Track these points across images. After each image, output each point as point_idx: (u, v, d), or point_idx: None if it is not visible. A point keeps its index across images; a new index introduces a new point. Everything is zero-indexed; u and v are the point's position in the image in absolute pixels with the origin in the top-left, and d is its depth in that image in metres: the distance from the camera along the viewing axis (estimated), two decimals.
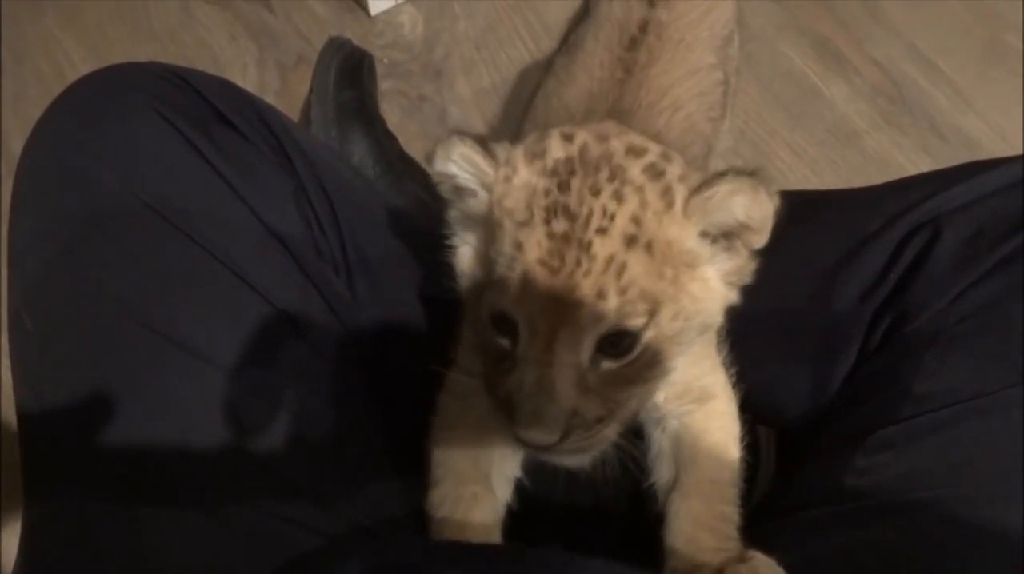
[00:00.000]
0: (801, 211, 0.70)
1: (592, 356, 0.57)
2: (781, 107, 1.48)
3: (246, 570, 0.63)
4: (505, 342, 0.58)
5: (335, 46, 1.29)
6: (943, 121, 1.47)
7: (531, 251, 0.55)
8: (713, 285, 0.61)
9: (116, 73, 0.75)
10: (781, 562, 0.66)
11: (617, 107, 0.88)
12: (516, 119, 1.15)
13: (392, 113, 1.46)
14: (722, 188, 0.57)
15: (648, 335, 0.58)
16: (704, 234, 0.59)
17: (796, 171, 1.42)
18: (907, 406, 0.69)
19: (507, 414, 0.57)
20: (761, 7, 1.59)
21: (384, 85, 1.47)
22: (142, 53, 1.54)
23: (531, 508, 0.78)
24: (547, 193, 0.57)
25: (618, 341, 0.57)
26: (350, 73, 1.25)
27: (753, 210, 0.58)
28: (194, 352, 0.66)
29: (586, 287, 0.55)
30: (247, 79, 1.51)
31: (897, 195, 0.78)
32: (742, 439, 0.80)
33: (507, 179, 0.59)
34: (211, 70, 1.53)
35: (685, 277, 0.59)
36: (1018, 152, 1.40)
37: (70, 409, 0.65)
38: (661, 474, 0.75)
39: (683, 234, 0.58)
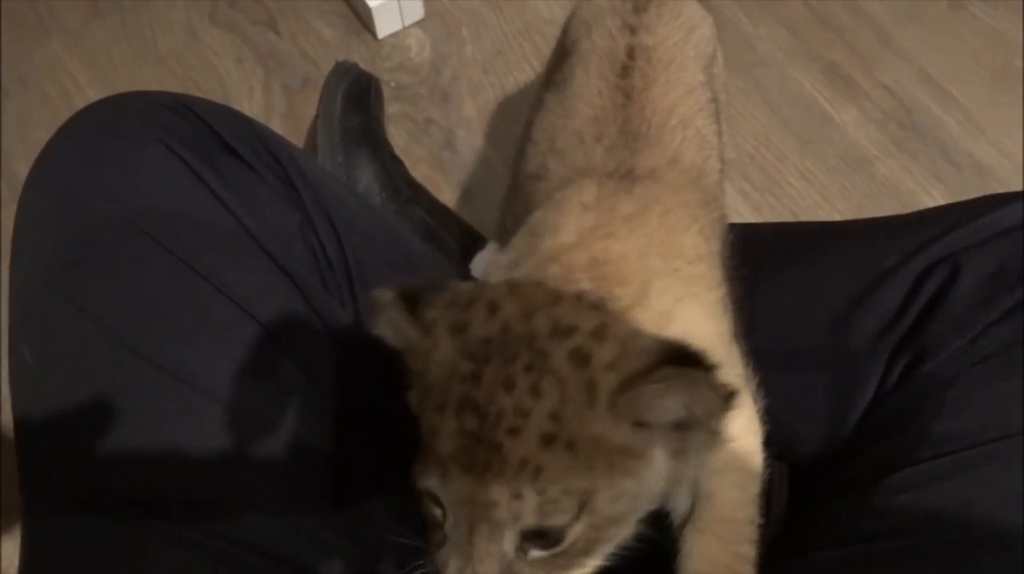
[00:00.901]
0: (813, 244, 0.69)
1: (519, 546, 0.54)
2: (791, 132, 1.48)
3: None
4: (438, 512, 0.55)
5: (342, 71, 1.28)
6: (954, 147, 1.46)
7: (444, 444, 0.52)
8: (659, 465, 0.56)
9: (121, 103, 0.75)
10: None
11: (626, 130, 0.86)
12: (513, 157, 1.15)
13: (399, 136, 1.46)
14: (649, 388, 0.51)
15: (578, 528, 0.53)
16: (639, 425, 0.54)
17: (807, 197, 1.41)
18: (926, 447, 0.67)
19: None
20: (770, 32, 1.58)
21: (391, 108, 1.47)
22: (148, 76, 1.54)
23: None
24: (463, 380, 0.52)
25: (544, 534, 0.53)
26: (357, 98, 1.25)
27: (695, 407, 0.52)
28: (189, 381, 0.65)
29: (499, 488, 0.51)
30: (253, 102, 1.51)
31: (913, 229, 0.76)
32: (764, 474, 0.76)
33: (427, 354, 0.55)
34: (217, 93, 1.54)
35: (624, 462, 0.54)
36: None
37: (63, 432, 0.65)
38: (678, 505, 0.71)
39: (610, 430, 0.52)
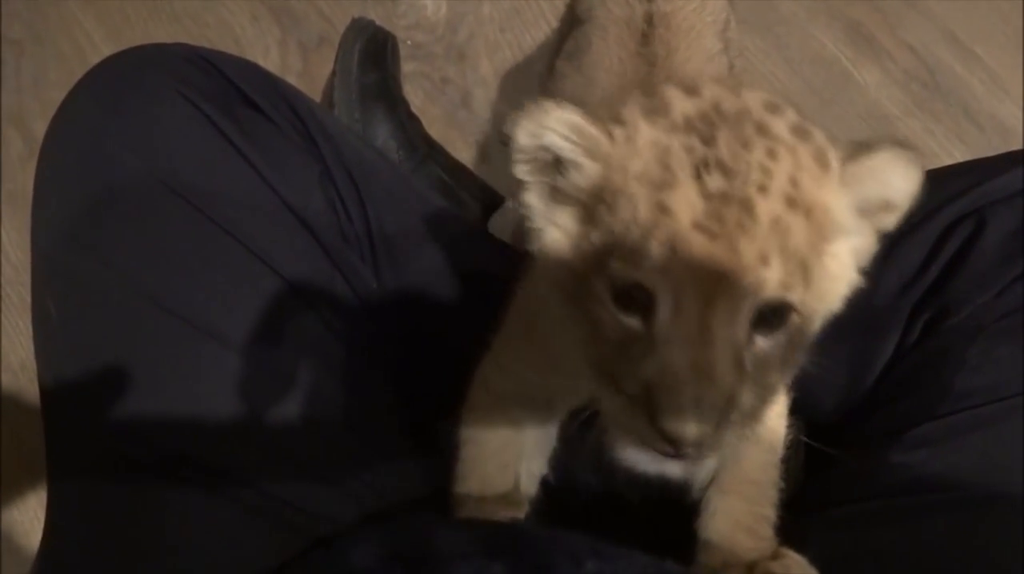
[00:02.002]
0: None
1: (748, 333, 0.49)
2: (812, 92, 1.46)
3: (262, 551, 0.63)
4: (634, 322, 0.49)
5: (358, 27, 1.27)
6: (978, 108, 1.43)
7: (683, 213, 0.47)
8: (846, 264, 0.54)
9: (139, 55, 0.74)
10: (812, 560, 0.65)
11: None
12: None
13: (415, 95, 1.45)
14: (883, 155, 0.51)
15: (796, 318, 0.50)
16: (852, 206, 0.53)
17: None
18: (947, 402, 0.67)
19: (642, 406, 0.48)
20: None
21: (407, 67, 1.46)
22: (163, 34, 1.53)
23: (554, 503, 0.77)
24: (689, 150, 0.48)
25: (772, 315, 0.49)
26: (374, 55, 1.24)
27: (906, 184, 0.52)
28: (214, 334, 0.66)
29: (749, 252, 0.47)
30: (269, 61, 1.50)
31: (938, 185, 0.75)
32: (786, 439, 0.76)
33: (628, 140, 0.50)
34: (233, 52, 1.52)
35: (826, 251, 0.51)
36: None
37: (89, 391, 0.66)
38: (700, 468, 0.69)
39: (837, 202, 0.51)
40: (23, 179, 1.43)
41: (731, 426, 0.48)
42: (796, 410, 0.86)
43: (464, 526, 0.68)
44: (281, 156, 0.73)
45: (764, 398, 0.51)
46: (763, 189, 0.47)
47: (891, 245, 0.74)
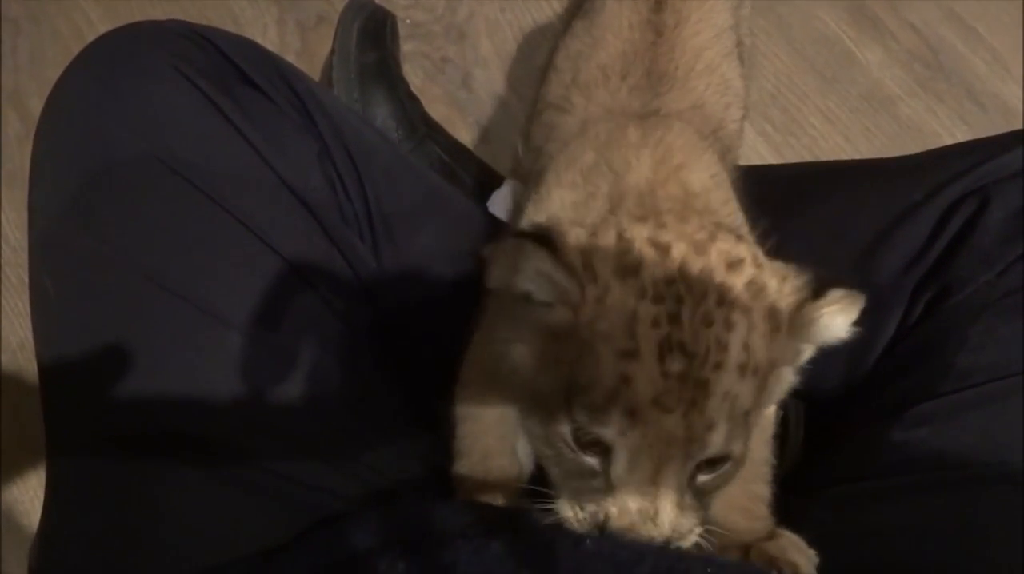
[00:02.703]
0: (840, 182, 0.68)
1: (691, 477, 0.56)
2: (814, 72, 1.45)
3: (262, 530, 0.63)
4: (593, 462, 0.56)
5: (357, 6, 1.26)
6: (981, 88, 1.42)
7: (643, 389, 0.52)
8: (787, 379, 0.60)
9: (136, 31, 0.74)
10: (810, 539, 0.65)
11: (654, 69, 0.86)
12: (537, 80, 1.13)
13: (414, 75, 1.44)
14: (831, 308, 0.55)
15: (740, 447, 0.56)
16: (796, 348, 0.58)
17: (829, 138, 1.39)
18: (948, 381, 0.67)
19: (598, 527, 0.56)
20: None
21: (406, 46, 1.44)
22: (160, 13, 1.52)
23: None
24: (655, 323, 0.52)
25: (715, 461, 0.56)
26: (373, 34, 1.23)
27: (846, 329, 0.57)
28: (212, 313, 0.65)
29: (698, 425, 0.52)
30: (267, 40, 1.49)
31: (941, 164, 0.75)
32: (777, 416, 0.78)
33: (598, 300, 0.54)
34: (230, 30, 1.51)
35: (771, 381, 0.57)
36: None
37: (87, 368, 0.65)
38: None
39: (786, 353, 0.56)
40: (21, 159, 1.42)
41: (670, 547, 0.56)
42: (797, 389, 0.86)
43: (463, 506, 0.68)
44: (279, 134, 0.72)
45: (702, 517, 0.58)
46: (718, 366, 0.52)
47: (894, 224, 0.74)
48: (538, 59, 1.45)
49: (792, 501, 0.76)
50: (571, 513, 0.58)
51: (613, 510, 0.55)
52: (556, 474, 0.60)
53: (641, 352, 0.52)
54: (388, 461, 0.73)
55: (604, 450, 0.54)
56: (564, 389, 0.55)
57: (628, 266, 0.54)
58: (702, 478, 0.56)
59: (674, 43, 0.87)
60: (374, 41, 1.22)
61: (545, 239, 0.55)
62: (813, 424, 0.93)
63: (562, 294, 0.54)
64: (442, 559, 0.56)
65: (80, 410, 0.66)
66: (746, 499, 0.69)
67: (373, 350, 0.76)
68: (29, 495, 1.24)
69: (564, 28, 1.01)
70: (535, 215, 0.73)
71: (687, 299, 0.52)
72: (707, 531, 0.68)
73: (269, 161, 0.70)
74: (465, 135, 1.40)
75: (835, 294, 0.55)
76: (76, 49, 0.73)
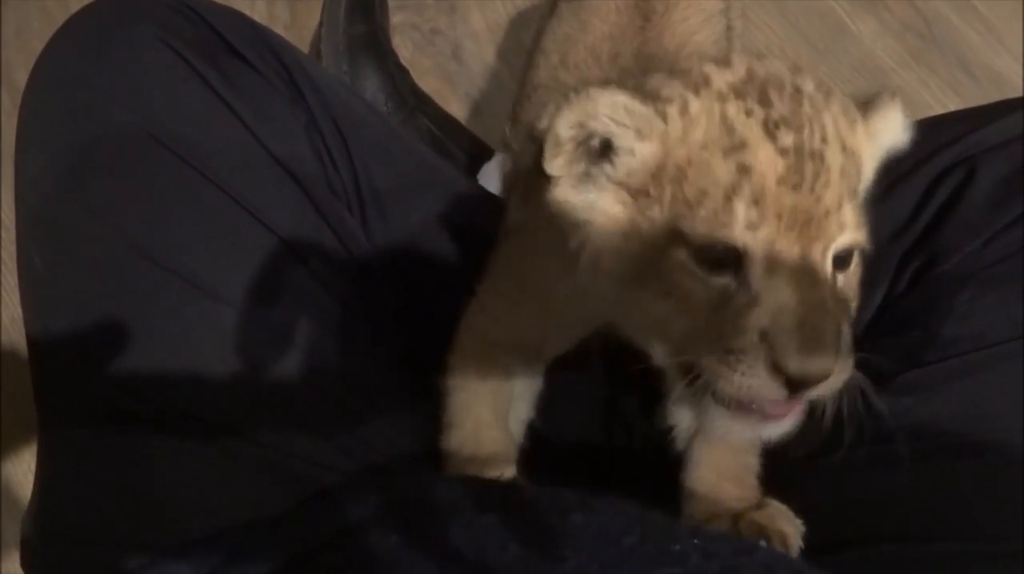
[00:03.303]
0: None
1: (832, 273, 0.52)
2: (806, 43, 1.44)
3: (256, 502, 0.64)
4: (726, 281, 0.50)
5: None
6: (974, 59, 1.42)
7: (766, 171, 0.49)
8: (868, 176, 0.58)
9: (121, 2, 0.73)
10: (797, 508, 0.66)
11: (642, 52, 0.85)
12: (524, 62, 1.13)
13: (404, 47, 1.43)
14: (893, 109, 0.56)
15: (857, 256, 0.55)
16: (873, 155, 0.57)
17: None
18: (934, 350, 0.67)
19: (758, 358, 0.48)
20: None
21: (396, 18, 1.43)
22: None
23: (541, 451, 0.78)
24: (748, 112, 0.50)
25: (844, 255, 0.53)
26: (362, 6, 1.22)
27: (907, 133, 0.58)
28: (202, 287, 0.66)
29: (830, 199, 0.50)
30: (255, 11, 1.48)
31: (929, 134, 0.75)
32: None
33: (682, 113, 0.51)
34: (218, 2, 1.50)
35: (863, 171, 0.56)
36: None
37: (77, 342, 0.65)
38: (683, 418, 0.73)
39: (866, 152, 0.55)
40: (8, 134, 1.41)
41: (843, 359, 0.50)
42: None
43: (456, 481, 0.68)
44: (266, 106, 0.72)
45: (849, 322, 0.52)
46: (825, 140, 0.50)
47: (882, 194, 0.74)
48: (529, 31, 1.44)
49: (780, 470, 0.77)
50: (719, 369, 0.50)
51: (771, 317, 0.48)
52: (683, 334, 0.53)
53: (749, 139, 0.49)
54: (382, 436, 0.73)
55: (735, 261, 0.50)
56: (667, 231, 0.51)
57: (695, 82, 0.52)
58: (840, 281, 0.53)
59: (663, 28, 0.87)
60: (363, 13, 1.21)
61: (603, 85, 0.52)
62: None
63: (646, 124, 0.51)
64: (434, 532, 0.57)
65: (72, 383, 0.66)
66: (737, 468, 0.69)
67: (366, 324, 0.76)
68: (23, 469, 1.25)
69: (549, 10, 1.00)
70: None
71: (769, 88, 0.51)
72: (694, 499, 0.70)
73: (256, 133, 0.70)
74: (456, 107, 1.39)
75: (884, 98, 0.56)
76: (59, 16, 0.72)
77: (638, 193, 0.52)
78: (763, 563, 0.54)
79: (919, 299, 0.71)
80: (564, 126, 0.51)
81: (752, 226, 0.49)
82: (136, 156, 0.67)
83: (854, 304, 0.55)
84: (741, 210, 0.49)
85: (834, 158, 0.50)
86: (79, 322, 0.65)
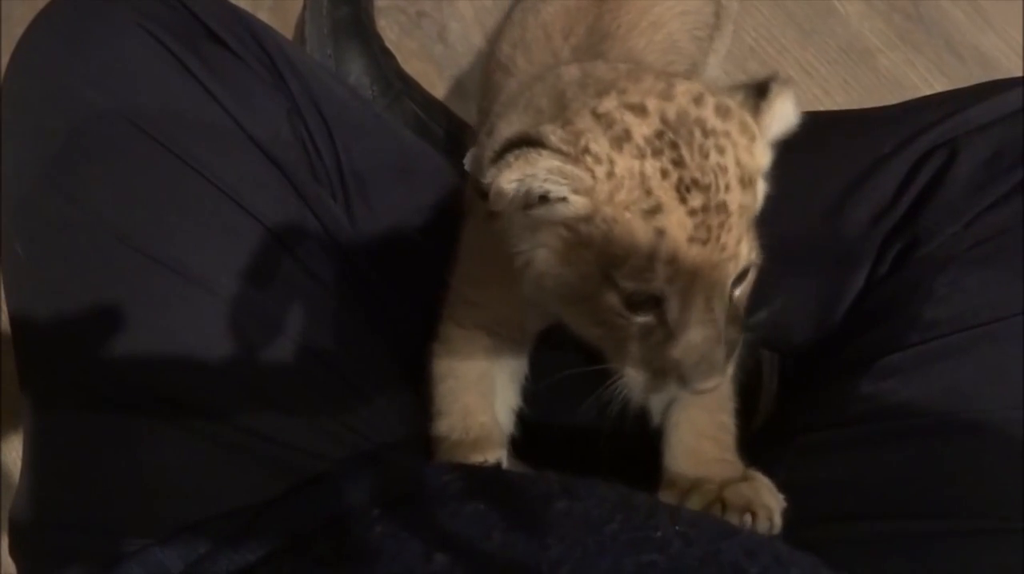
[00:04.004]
0: (812, 133, 0.68)
1: (730, 295, 0.60)
2: (793, 23, 1.44)
3: (244, 488, 0.64)
4: (647, 319, 0.59)
5: None
6: (960, 39, 1.42)
7: (678, 233, 0.56)
8: (763, 189, 0.62)
9: None
10: (781, 485, 0.66)
11: (596, 27, 0.85)
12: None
13: (390, 30, 1.42)
14: (781, 98, 0.60)
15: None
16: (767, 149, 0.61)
17: (807, 91, 1.38)
18: (916, 332, 0.68)
19: (671, 376, 0.60)
20: None
21: (381, 1, 1.42)
22: None
23: (532, 436, 0.79)
24: (664, 174, 0.56)
25: (742, 273, 0.60)
26: None
27: (796, 114, 0.61)
28: (185, 274, 0.65)
29: (731, 244, 0.57)
30: None
31: (912, 116, 0.75)
32: (745, 362, 0.79)
33: (609, 175, 0.56)
34: None
35: (757, 191, 0.61)
36: None
37: (63, 327, 0.65)
38: None
39: (763, 159, 0.60)
40: None
41: (729, 365, 0.62)
42: (769, 341, 0.87)
43: (444, 467, 0.69)
44: (248, 92, 0.72)
45: (741, 325, 0.63)
46: (728, 188, 0.57)
47: (863, 176, 0.74)
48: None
49: (765, 448, 0.78)
50: (638, 377, 0.62)
51: (680, 350, 0.59)
52: (612, 349, 0.63)
53: (664, 203, 0.56)
54: (370, 422, 0.73)
55: (655, 303, 0.58)
56: (599, 270, 0.58)
57: (618, 136, 0.57)
58: (737, 293, 0.61)
59: (621, 2, 0.86)
60: None
61: (534, 142, 0.56)
62: (787, 375, 0.94)
63: (576, 183, 0.56)
64: (422, 518, 0.57)
65: (56, 369, 0.66)
66: (714, 428, 0.73)
67: (351, 308, 0.77)
68: (13, 457, 1.25)
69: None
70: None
71: (680, 142, 0.56)
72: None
73: (238, 119, 0.70)
74: (442, 90, 1.38)
75: (775, 86, 0.60)
76: (43, 4, 0.72)
77: (574, 231, 0.59)
78: (744, 546, 0.54)
79: (901, 281, 0.71)
80: (505, 182, 0.56)
81: (669, 280, 0.57)
82: (117, 143, 0.67)
83: (743, 308, 0.64)
84: (660, 269, 0.56)
85: (734, 202, 0.57)
86: (62, 309, 0.65)
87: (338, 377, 0.73)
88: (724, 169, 0.57)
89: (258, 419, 0.66)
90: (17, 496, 0.67)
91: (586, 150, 0.56)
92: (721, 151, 0.57)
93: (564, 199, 0.57)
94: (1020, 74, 1.36)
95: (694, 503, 0.68)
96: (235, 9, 0.76)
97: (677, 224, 0.56)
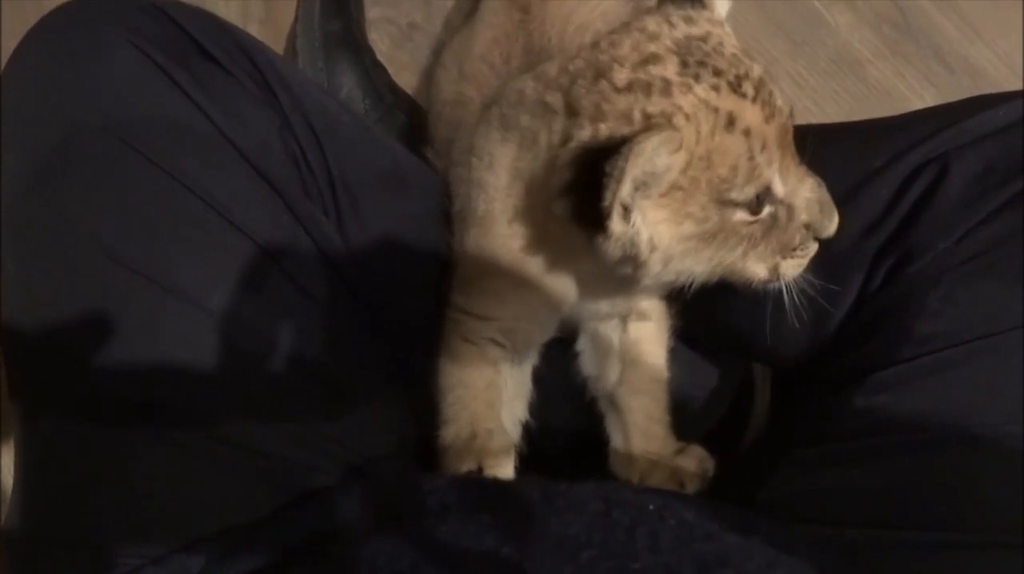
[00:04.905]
0: (803, 146, 0.69)
1: None
2: (783, 35, 1.44)
3: (237, 502, 0.64)
4: (771, 209, 0.65)
5: None
6: (949, 50, 1.43)
7: (757, 123, 0.61)
8: None
9: (92, 4, 0.72)
10: (774, 498, 0.71)
11: (529, 46, 0.88)
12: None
13: (381, 42, 1.42)
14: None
15: None
16: None
17: (798, 102, 1.39)
18: (908, 347, 0.68)
19: (803, 242, 0.67)
20: None
21: (372, 13, 1.42)
22: None
23: (537, 445, 0.82)
24: (715, 88, 0.61)
25: None
26: (336, 2, 1.21)
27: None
28: (175, 289, 0.65)
29: (780, 103, 0.64)
30: (230, 8, 1.46)
31: (903, 129, 0.75)
32: (736, 376, 0.91)
33: (687, 119, 0.60)
34: (190, 1, 1.48)
35: None
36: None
37: (52, 338, 0.65)
38: (610, 372, 0.85)
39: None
40: None
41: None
42: (762, 354, 0.88)
43: (446, 480, 0.69)
44: (239, 108, 0.71)
45: None
46: (750, 65, 0.63)
47: (855, 189, 0.74)
48: None
49: (758, 461, 0.78)
50: (790, 263, 0.68)
51: (804, 215, 0.66)
52: (749, 267, 0.68)
53: (733, 109, 0.61)
54: (362, 435, 0.73)
55: (767, 192, 0.64)
56: (715, 202, 0.63)
57: (661, 87, 0.61)
58: None
59: (543, 17, 0.89)
60: (338, 9, 1.20)
61: (613, 147, 0.58)
62: (780, 388, 0.94)
63: (675, 143, 0.60)
64: (411, 533, 0.57)
65: (44, 382, 0.66)
66: (660, 412, 0.84)
67: (342, 323, 0.76)
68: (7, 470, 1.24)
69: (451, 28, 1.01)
70: (492, 193, 0.74)
71: (702, 58, 0.62)
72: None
73: (229, 135, 0.70)
74: None
75: None
76: (33, 14, 0.72)
77: (670, 191, 0.62)
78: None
79: (894, 296, 0.71)
80: (634, 172, 0.58)
81: (770, 163, 0.63)
82: (105, 159, 0.67)
83: None
84: (762, 159, 0.62)
85: (757, 71, 0.64)
86: (50, 322, 0.65)
87: (330, 389, 0.73)
88: (734, 54, 0.63)
89: (249, 432, 0.66)
90: (9, 509, 0.67)
91: (648, 116, 0.60)
92: (722, 43, 0.64)
93: (668, 168, 0.61)
94: (1008, 85, 1.38)
95: (655, 480, 0.79)
96: (225, 25, 0.76)
97: (752, 117, 0.61)
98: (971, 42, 1.43)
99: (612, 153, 0.58)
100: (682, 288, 0.71)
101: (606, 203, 0.59)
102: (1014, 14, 1.45)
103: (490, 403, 0.78)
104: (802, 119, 1.35)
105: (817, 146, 0.80)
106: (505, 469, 0.76)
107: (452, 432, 0.76)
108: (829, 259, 0.73)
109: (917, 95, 1.39)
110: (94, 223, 0.66)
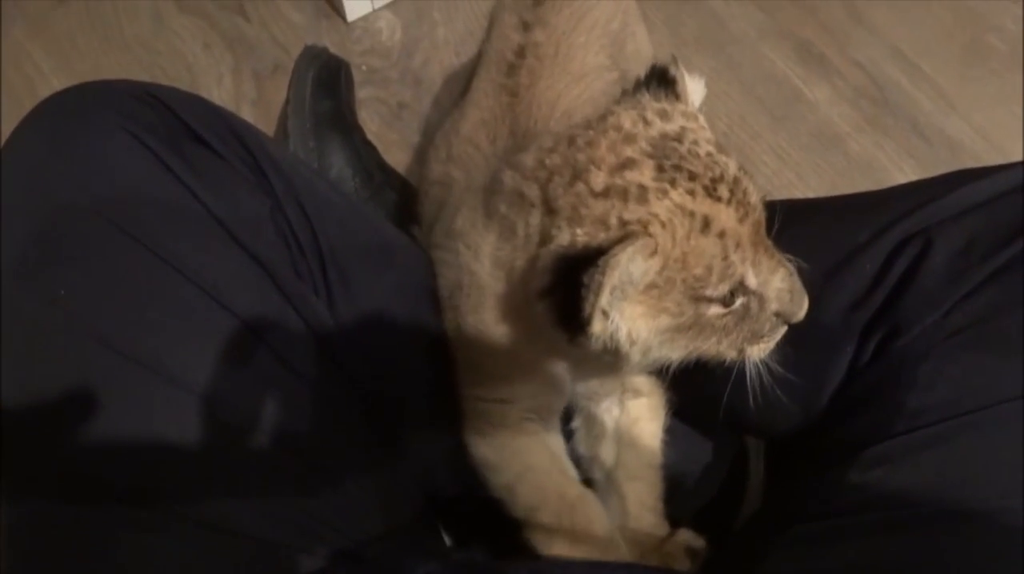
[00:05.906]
0: (787, 221, 0.70)
1: None
2: (764, 110, 1.48)
3: None
4: (743, 300, 0.67)
5: (311, 55, 1.27)
6: (926, 123, 1.47)
7: (731, 224, 0.63)
8: None
9: (85, 92, 0.73)
10: None
11: (515, 129, 0.89)
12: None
13: (371, 121, 1.45)
14: (681, 80, 0.69)
15: None
16: None
17: (781, 175, 1.42)
18: (901, 421, 0.68)
19: (775, 327, 0.70)
20: (742, 10, 1.58)
21: (362, 93, 1.45)
22: (114, 63, 1.52)
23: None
24: (691, 192, 0.62)
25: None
26: (327, 83, 1.23)
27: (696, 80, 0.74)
28: (163, 372, 0.65)
29: (753, 198, 0.65)
30: (223, 89, 1.49)
31: (886, 205, 0.77)
32: (730, 450, 0.92)
33: (662, 226, 0.61)
34: (185, 79, 1.51)
35: None
36: (1000, 153, 1.42)
37: (38, 421, 0.64)
38: (605, 455, 0.87)
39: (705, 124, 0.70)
40: None
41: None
42: (753, 427, 0.87)
43: (439, 563, 0.68)
44: (230, 192, 0.72)
45: None
46: (725, 163, 0.64)
47: (840, 265, 0.75)
48: None
49: (754, 538, 0.77)
50: (757, 347, 0.70)
51: (775, 304, 0.68)
52: (721, 349, 0.70)
53: (708, 212, 0.62)
54: (351, 516, 0.72)
55: (740, 284, 0.65)
56: (690, 298, 0.64)
57: (636, 194, 0.62)
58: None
59: (530, 100, 0.91)
60: (328, 89, 1.23)
61: (591, 256, 0.60)
62: (775, 463, 0.93)
63: (650, 250, 0.61)
64: None
65: (29, 461, 0.65)
66: (654, 500, 0.85)
67: (330, 401, 0.76)
68: None
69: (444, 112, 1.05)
70: (480, 281, 0.75)
71: (677, 161, 0.63)
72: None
73: (220, 218, 0.70)
74: None
75: (672, 70, 0.70)
76: (28, 102, 0.73)
77: (647, 289, 0.64)
78: None
79: (884, 369, 0.71)
80: (612, 281, 0.60)
81: (744, 260, 0.64)
82: (96, 242, 0.67)
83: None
84: (736, 258, 0.64)
85: (732, 167, 0.65)
86: (36, 404, 0.64)
87: (316, 467, 0.72)
88: (710, 152, 0.64)
89: (233, 513, 0.65)
90: None
91: (625, 223, 0.61)
92: (697, 142, 0.64)
93: (645, 272, 0.62)
94: (986, 156, 1.42)
95: (654, 560, 0.80)
96: (217, 109, 0.78)
97: (727, 219, 0.63)
98: (946, 115, 1.47)
99: (590, 263, 0.59)
100: (662, 368, 0.73)
101: (586, 313, 0.60)
102: (986, 87, 1.50)
103: (563, 470, 0.82)
104: (786, 192, 1.39)
105: (801, 221, 0.82)
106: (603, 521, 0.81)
107: (549, 514, 0.79)
108: (818, 332, 0.73)
109: (897, 167, 1.42)
110: (84, 308, 0.66)
